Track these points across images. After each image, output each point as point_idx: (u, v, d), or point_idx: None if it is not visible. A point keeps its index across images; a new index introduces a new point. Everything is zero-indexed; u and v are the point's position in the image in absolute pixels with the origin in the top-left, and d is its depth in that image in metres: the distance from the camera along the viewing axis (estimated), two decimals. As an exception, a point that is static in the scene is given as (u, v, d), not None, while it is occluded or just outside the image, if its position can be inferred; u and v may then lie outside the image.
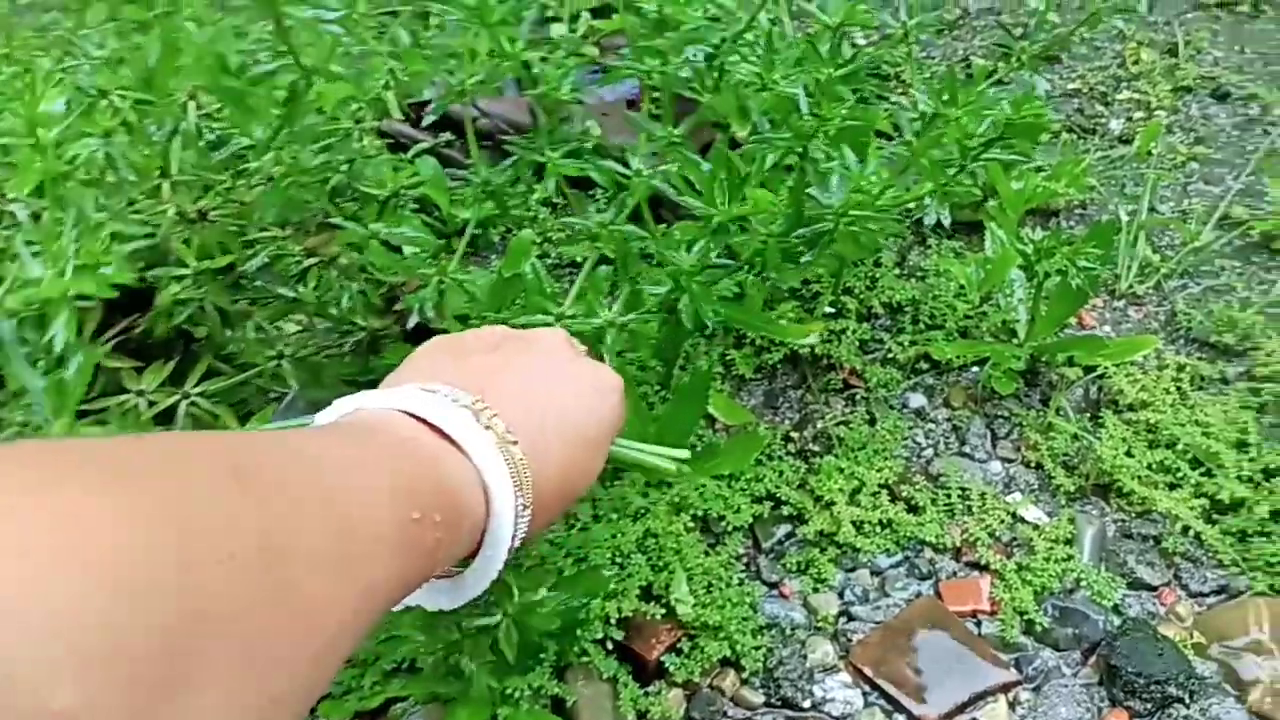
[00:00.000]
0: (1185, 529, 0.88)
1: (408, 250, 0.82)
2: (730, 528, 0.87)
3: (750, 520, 0.87)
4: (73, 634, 0.23)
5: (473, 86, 0.72)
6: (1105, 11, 0.89)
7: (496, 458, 0.43)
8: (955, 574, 0.87)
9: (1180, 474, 0.90)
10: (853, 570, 0.87)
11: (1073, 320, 1.05)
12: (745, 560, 0.88)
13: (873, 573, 0.87)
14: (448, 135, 1.16)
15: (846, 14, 0.70)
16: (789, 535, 0.89)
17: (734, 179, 0.71)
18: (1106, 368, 0.98)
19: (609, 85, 1.30)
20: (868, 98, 0.95)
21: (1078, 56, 1.46)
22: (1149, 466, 0.91)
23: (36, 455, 0.28)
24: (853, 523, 0.88)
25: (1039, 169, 1.17)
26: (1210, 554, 0.87)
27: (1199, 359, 1.02)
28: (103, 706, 0.24)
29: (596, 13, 1.46)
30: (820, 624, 0.84)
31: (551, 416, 0.48)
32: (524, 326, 0.71)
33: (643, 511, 0.85)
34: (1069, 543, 0.88)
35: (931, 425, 0.98)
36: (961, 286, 1.04)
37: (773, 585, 0.87)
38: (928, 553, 0.88)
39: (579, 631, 0.77)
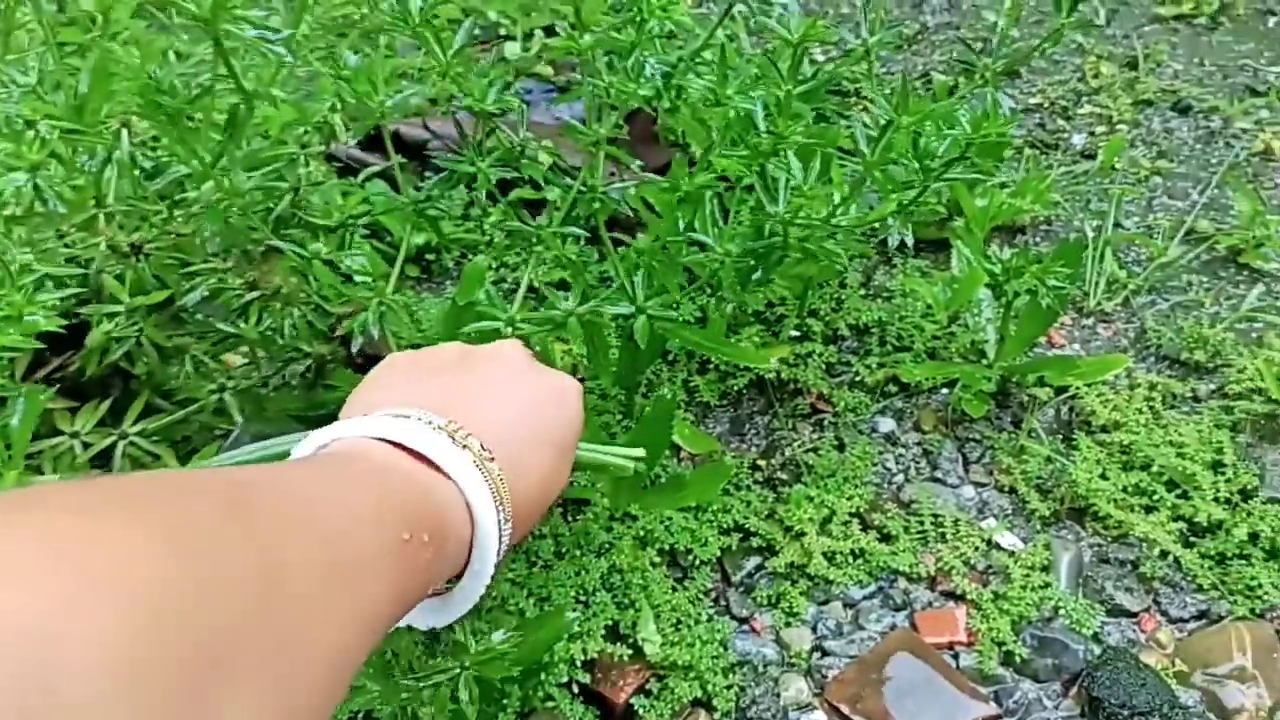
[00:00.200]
0: (1163, 553, 0.86)
1: (358, 278, 0.79)
2: (698, 561, 0.84)
3: (718, 553, 0.84)
4: (117, 652, 0.25)
5: (389, 109, 0.71)
6: (1066, 26, 0.87)
7: (476, 476, 0.45)
8: (930, 604, 0.84)
9: (1156, 496, 0.88)
10: (825, 603, 0.84)
11: (1042, 339, 1.03)
12: (714, 595, 0.85)
13: (846, 605, 0.85)
14: (400, 159, 1.13)
15: (806, 30, 0.68)
16: (758, 568, 0.86)
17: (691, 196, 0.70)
18: (1078, 388, 0.96)
19: (565, 103, 1.27)
20: (828, 115, 0.93)
21: (1037, 70, 1.45)
22: (1124, 489, 0.89)
23: (61, 494, 0.30)
24: (824, 554, 0.85)
25: (1003, 185, 1.16)
26: (1189, 578, 0.85)
27: (1170, 377, 1.00)
28: None
29: (550, 31, 1.43)
30: (793, 660, 0.81)
31: (522, 429, 0.51)
32: (475, 335, 0.69)
33: (607, 546, 0.82)
34: (1045, 569, 0.85)
35: (902, 450, 0.96)
36: (929, 306, 1.02)
37: (743, 620, 0.84)
38: (901, 583, 0.86)
39: (543, 676, 0.74)
